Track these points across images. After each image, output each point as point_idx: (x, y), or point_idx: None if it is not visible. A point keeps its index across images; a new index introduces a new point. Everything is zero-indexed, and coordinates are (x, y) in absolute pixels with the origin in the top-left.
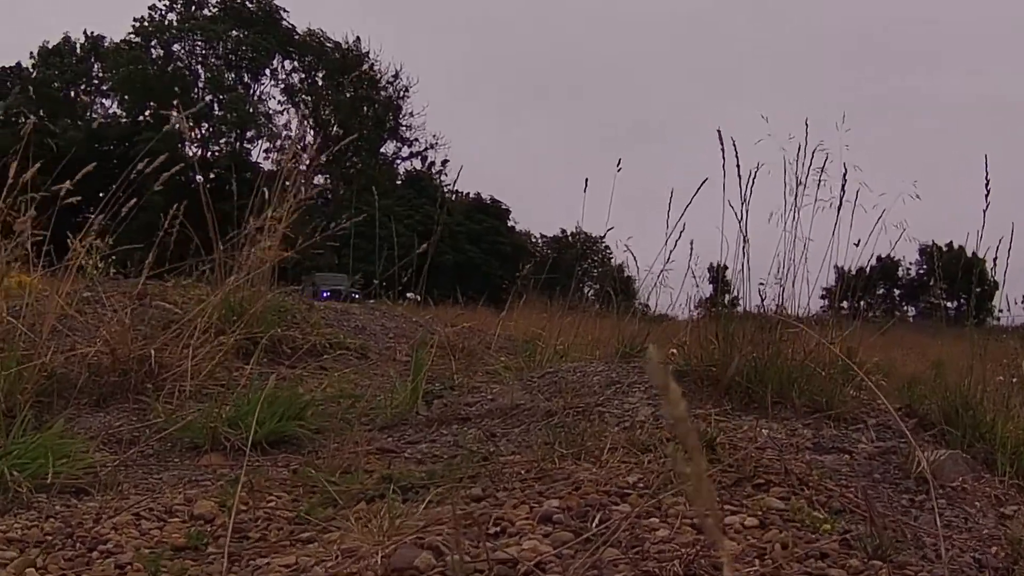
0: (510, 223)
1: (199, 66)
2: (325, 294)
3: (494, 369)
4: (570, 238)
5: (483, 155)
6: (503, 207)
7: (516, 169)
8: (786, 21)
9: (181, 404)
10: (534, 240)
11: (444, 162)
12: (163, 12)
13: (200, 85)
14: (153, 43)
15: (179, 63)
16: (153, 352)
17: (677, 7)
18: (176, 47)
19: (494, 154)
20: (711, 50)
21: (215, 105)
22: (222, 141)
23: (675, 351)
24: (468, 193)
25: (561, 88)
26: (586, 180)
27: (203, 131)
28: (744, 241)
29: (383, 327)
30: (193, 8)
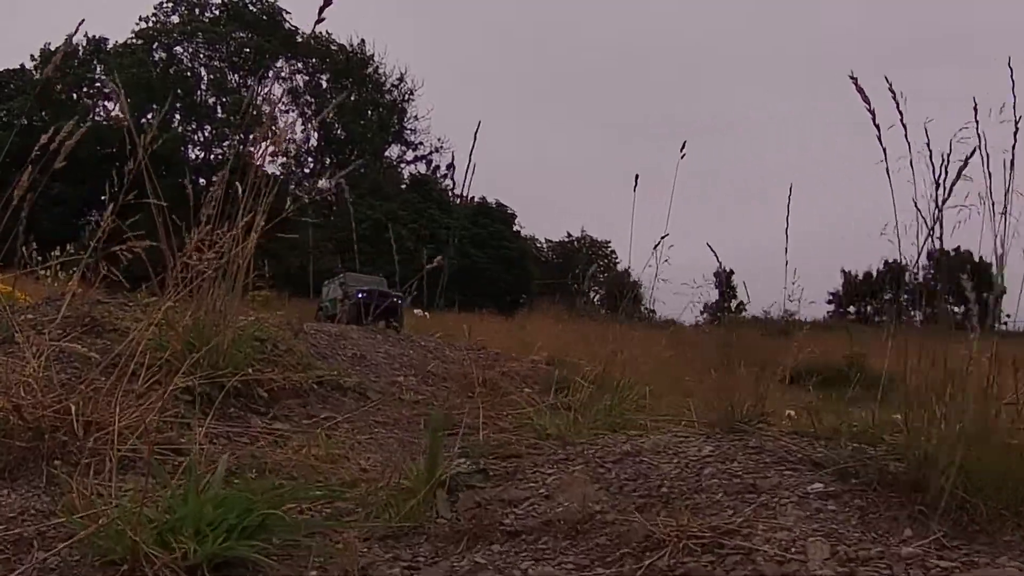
0: (516, 227)
1: (202, 68)
2: (360, 295)
3: (532, 421)
4: (576, 243)
5: (491, 158)
6: (508, 211)
7: (524, 172)
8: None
9: (110, 480)
10: (539, 245)
11: (449, 166)
12: (167, 14)
13: (203, 87)
14: (155, 46)
15: (181, 65)
16: (74, 406)
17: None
18: (178, 49)
19: (502, 156)
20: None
21: (217, 108)
22: (225, 144)
23: (792, 413)
24: (473, 197)
25: (574, 89)
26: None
27: (205, 134)
28: None
29: (386, 354)
30: (197, 11)
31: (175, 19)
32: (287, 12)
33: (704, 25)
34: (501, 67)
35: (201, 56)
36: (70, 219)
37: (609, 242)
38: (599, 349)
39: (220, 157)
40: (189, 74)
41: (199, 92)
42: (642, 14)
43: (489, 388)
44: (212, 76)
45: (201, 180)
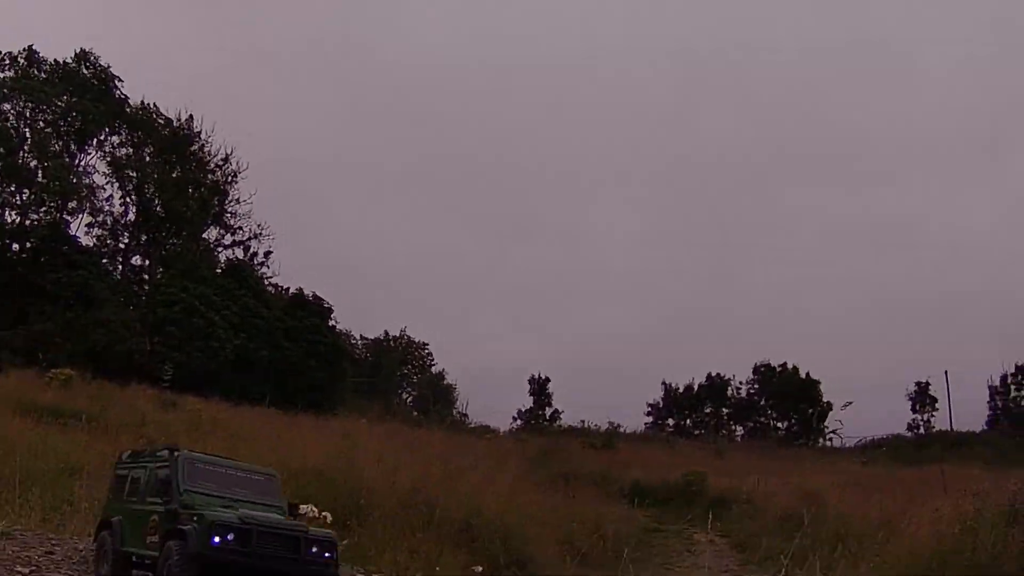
0: (331, 322)
1: (27, 129)
2: (227, 535)
3: None
4: (392, 342)
5: (311, 249)
6: (325, 304)
7: (344, 264)
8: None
9: None
10: (354, 341)
11: (267, 253)
12: (2, 68)
13: (25, 148)
14: None
15: (7, 123)
16: None
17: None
18: (6, 106)
19: (325, 246)
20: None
21: (39, 172)
22: (42, 210)
23: None
24: (288, 288)
25: (426, 179)
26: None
27: (23, 197)
28: None
29: None
30: (31, 68)
31: (10, 73)
32: (120, 80)
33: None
34: (349, 153)
35: (27, 116)
36: None
37: (427, 344)
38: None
39: (36, 223)
40: (14, 133)
41: (21, 153)
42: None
43: None
44: (36, 138)
45: (14, 245)
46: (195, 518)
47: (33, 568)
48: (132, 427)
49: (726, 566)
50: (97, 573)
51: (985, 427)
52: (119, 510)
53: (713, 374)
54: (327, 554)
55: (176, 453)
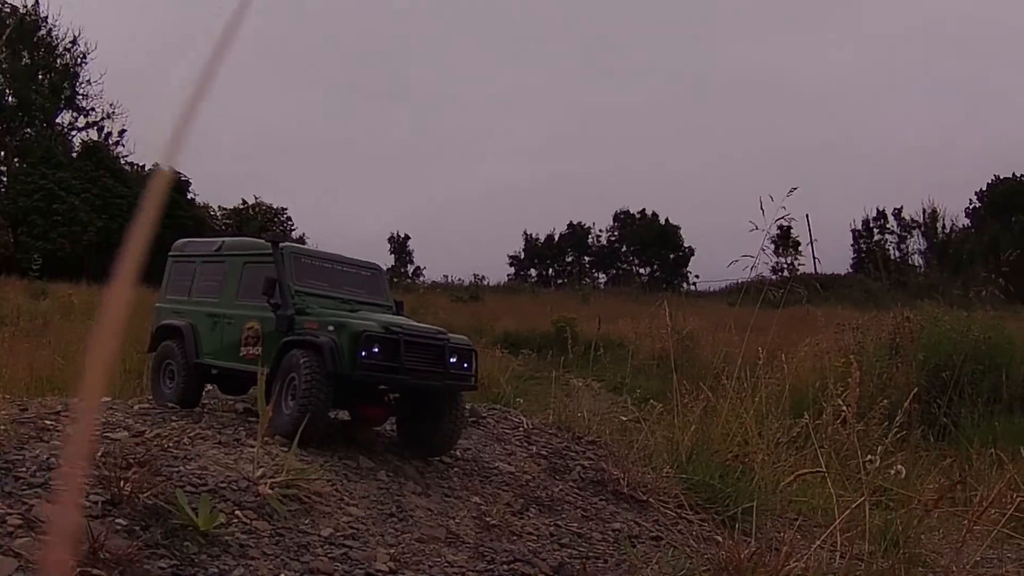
0: (190, 195)
1: None
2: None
3: None
4: (251, 210)
5: (166, 123)
6: (182, 178)
7: (206, 136)
8: None
9: None
10: (213, 212)
11: (122, 132)
12: None
13: None
14: None
15: None
16: None
17: None
18: None
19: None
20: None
21: None
22: None
23: None
24: (144, 166)
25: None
26: None
27: None
28: None
29: None
30: None
31: None
32: None
33: None
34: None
35: None
36: None
37: (285, 209)
38: None
39: None
40: None
41: None
42: None
43: None
44: None
45: None
46: (330, 327)
47: None
48: (10, 320)
49: (606, 408)
50: (158, 392)
51: (850, 270)
52: (186, 314)
53: (574, 223)
54: (466, 364)
55: (281, 245)
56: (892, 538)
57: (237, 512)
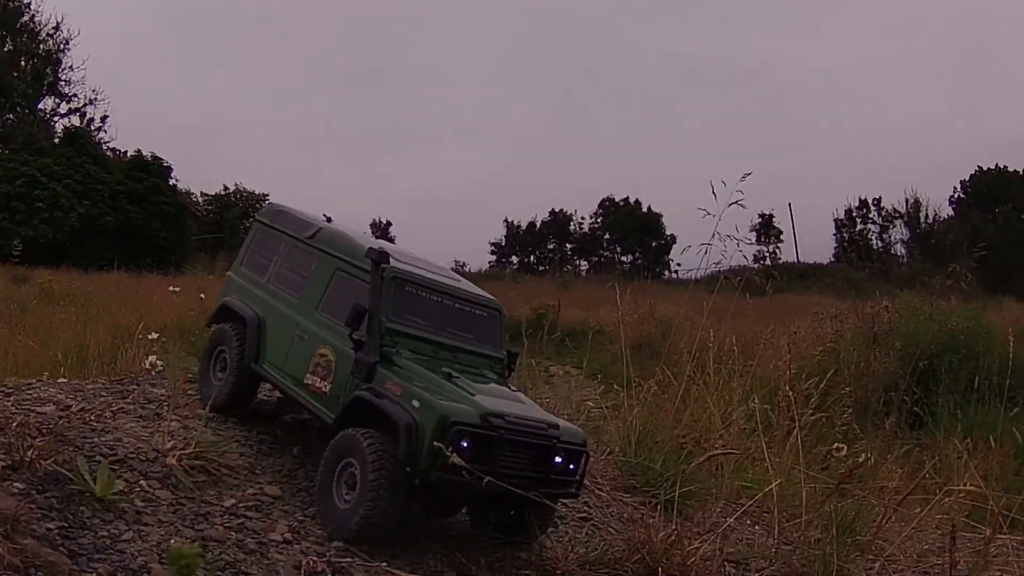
0: (172, 181)
1: None
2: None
3: None
4: (232, 196)
5: (149, 109)
6: (164, 164)
7: (185, 123)
8: None
9: None
10: (195, 199)
11: (104, 118)
12: None
13: None
14: None
15: None
16: None
17: None
18: None
19: (161, 107)
20: None
21: None
22: None
23: None
24: (126, 152)
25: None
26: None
27: None
28: None
29: None
30: None
31: None
32: None
33: None
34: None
35: None
36: None
37: (267, 195)
38: None
39: None
40: None
41: None
42: None
43: None
44: None
45: None
46: (415, 402)
47: None
48: None
49: (586, 395)
50: (205, 380)
51: (832, 259)
52: (257, 301)
53: (556, 210)
54: (572, 466)
55: (383, 267)
56: (845, 525)
57: (141, 481)
